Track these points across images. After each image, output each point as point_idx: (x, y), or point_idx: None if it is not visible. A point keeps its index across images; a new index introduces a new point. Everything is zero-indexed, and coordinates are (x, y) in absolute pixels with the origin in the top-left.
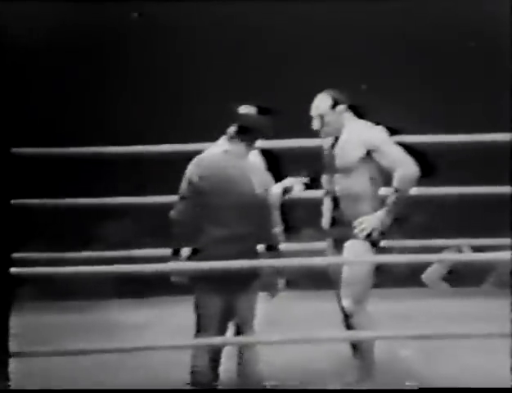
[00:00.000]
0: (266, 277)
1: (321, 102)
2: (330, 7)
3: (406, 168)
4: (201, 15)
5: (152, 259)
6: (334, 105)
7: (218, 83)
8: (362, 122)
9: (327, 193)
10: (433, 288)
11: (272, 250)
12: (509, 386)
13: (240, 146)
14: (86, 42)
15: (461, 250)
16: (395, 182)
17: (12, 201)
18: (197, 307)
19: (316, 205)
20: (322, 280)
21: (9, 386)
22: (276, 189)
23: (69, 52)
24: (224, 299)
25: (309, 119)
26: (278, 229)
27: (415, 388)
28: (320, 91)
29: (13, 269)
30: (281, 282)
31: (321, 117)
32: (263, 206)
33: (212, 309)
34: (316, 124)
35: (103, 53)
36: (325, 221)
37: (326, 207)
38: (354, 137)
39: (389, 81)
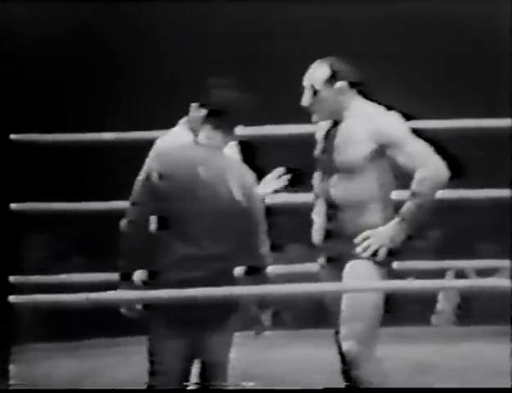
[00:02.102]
0: (246, 309)
1: (316, 71)
2: None
3: (430, 168)
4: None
5: (90, 287)
6: (332, 78)
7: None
8: (371, 105)
9: (320, 198)
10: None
11: (255, 273)
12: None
13: (214, 136)
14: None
15: (466, 275)
16: (414, 185)
17: None
18: (152, 348)
19: (303, 212)
20: (313, 315)
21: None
22: (262, 194)
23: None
24: (189, 338)
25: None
26: (265, 247)
27: (416, 388)
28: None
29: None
30: (266, 317)
31: (314, 91)
32: (245, 216)
33: (172, 351)
34: (305, 99)
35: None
36: (318, 235)
37: (319, 216)
38: (361, 125)
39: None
